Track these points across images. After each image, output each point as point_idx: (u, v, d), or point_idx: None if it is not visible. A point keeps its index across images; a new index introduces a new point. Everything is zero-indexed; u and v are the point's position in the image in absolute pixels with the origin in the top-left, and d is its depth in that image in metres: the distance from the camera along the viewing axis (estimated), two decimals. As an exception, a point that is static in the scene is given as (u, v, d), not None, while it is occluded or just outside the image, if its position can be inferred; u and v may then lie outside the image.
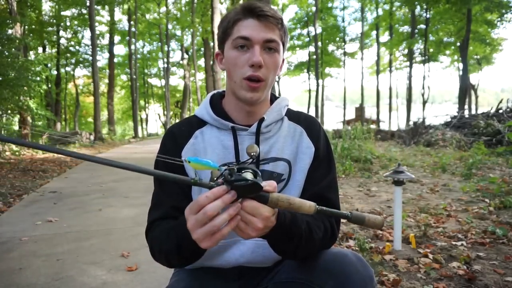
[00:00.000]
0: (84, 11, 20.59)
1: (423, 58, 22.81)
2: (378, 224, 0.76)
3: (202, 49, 25.07)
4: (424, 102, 22.15)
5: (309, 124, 1.00)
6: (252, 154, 0.81)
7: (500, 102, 11.67)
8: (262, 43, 0.85)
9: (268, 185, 0.69)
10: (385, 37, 27.66)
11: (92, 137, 16.71)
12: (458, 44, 18.90)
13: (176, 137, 0.95)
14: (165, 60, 26.39)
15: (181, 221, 0.73)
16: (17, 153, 9.51)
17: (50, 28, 21.29)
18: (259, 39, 0.85)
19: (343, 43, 28.25)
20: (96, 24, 19.77)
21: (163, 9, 26.12)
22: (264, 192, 0.68)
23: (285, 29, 0.90)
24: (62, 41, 23.07)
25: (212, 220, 0.65)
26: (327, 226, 0.88)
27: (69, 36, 23.79)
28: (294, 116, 1.01)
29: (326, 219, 0.89)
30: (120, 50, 78.73)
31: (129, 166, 0.61)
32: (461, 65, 18.36)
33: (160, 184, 0.94)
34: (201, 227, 0.65)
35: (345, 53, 28.58)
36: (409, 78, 22.79)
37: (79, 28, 23.31)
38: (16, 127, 12.77)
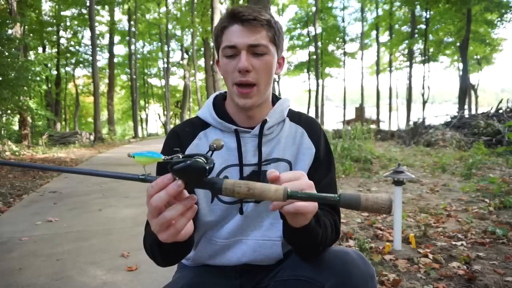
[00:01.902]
0: (84, 11, 20.60)
1: (423, 58, 22.79)
2: (382, 206, 0.55)
3: (202, 49, 25.07)
4: (424, 102, 22.12)
5: (310, 125, 1.01)
6: (212, 145, 0.68)
7: (500, 102, 11.67)
8: (247, 47, 0.85)
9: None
10: (385, 37, 27.71)
11: (92, 137, 16.71)
12: (458, 44, 18.86)
13: (180, 137, 0.96)
14: (165, 60, 26.37)
15: None
16: (16, 153, 9.50)
17: (50, 28, 21.32)
18: (244, 44, 0.85)
19: (343, 43, 28.22)
20: (96, 24, 19.75)
21: (163, 9, 26.11)
22: (216, 178, 0.60)
23: (275, 27, 0.89)
24: (62, 41, 23.09)
25: (162, 212, 0.58)
26: (331, 222, 0.88)
27: (69, 36, 23.82)
28: (295, 116, 1.02)
29: (330, 215, 0.89)
30: (120, 50, 78.98)
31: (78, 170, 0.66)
32: (461, 65, 18.35)
33: None
34: (154, 218, 0.59)
35: (345, 53, 28.55)
36: (409, 78, 22.80)
37: (79, 28, 23.34)
38: (16, 127, 12.78)
